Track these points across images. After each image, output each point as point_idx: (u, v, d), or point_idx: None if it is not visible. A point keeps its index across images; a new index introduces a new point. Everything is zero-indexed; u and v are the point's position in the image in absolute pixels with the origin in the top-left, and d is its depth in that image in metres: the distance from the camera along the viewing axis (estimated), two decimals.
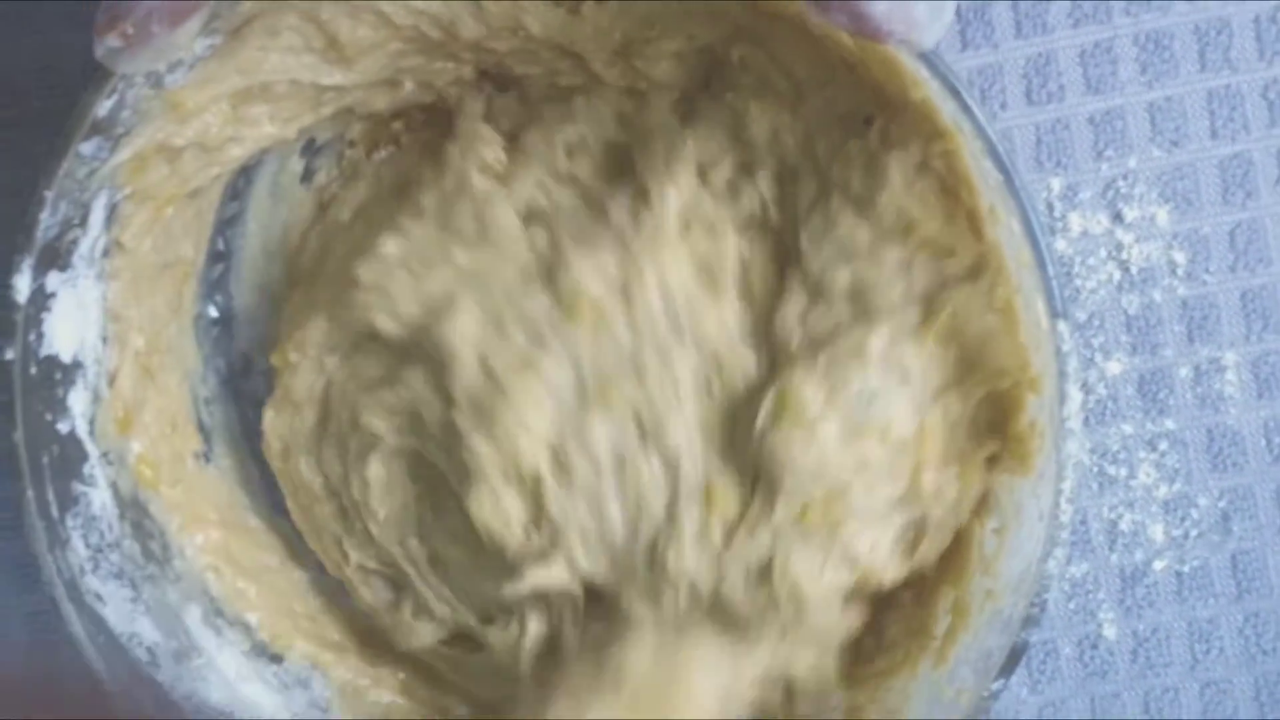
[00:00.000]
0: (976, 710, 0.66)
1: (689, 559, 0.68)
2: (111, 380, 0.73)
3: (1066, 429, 0.62)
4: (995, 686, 0.65)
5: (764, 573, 0.67)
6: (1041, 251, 0.61)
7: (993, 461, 0.68)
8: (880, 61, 0.63)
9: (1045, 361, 0.63)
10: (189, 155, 0.70)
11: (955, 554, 0.70)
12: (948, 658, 0.69)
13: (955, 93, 0.60)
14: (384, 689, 0.80)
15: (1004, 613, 0.66)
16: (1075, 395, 0.62)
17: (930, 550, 0.68)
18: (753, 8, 0.67)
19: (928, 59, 0.60)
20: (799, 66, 0.69)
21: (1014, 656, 0.65)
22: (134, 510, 0.75)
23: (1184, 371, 0.80)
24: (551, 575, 0.70)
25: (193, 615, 0.76)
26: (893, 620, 0.74)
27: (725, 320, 0.69)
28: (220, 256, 0.80)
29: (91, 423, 0.72)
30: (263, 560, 0.81)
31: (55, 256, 0.68)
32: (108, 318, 0.72)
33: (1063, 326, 0.61)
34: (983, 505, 0.69)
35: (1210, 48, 0.78)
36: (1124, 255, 0.80)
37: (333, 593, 0.82)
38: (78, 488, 0.71)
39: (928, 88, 0.62)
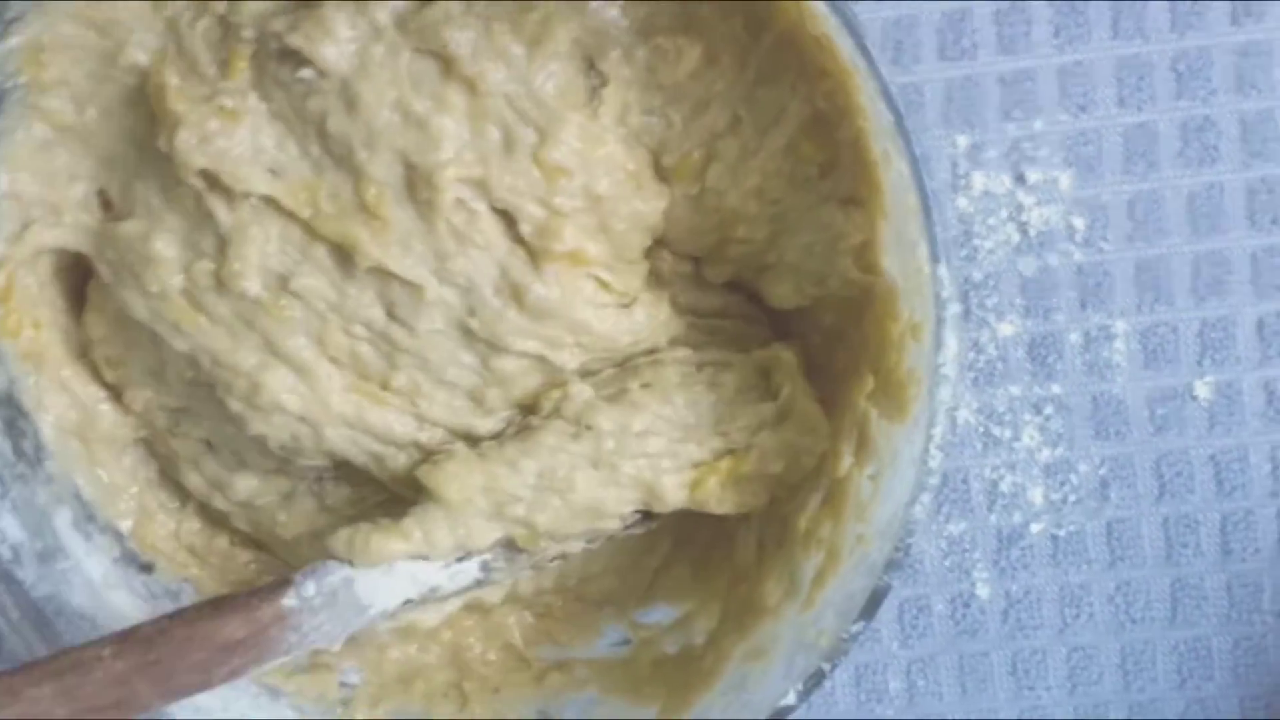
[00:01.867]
0: (835, 652, 0.65)
1: None
2: None
3: (941, 375, 0.62)
4: (854, 629, 0.65)
5: None
6: (927, 196, 0.60)
7: (870, 400, 0.68)
8: None
9: (926, 309, 0.63)
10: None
11: (833, 501, 0.71)
12: (815, 601, 0.69)
13: (853, 30, 0.60)
14: None
15: (870, 557, 0.66)
16: (952, 343, 0.62)
17: None
18: None
19: None
20: None
21: (874, 599, 0.65)
22: (7, 408, 0.73)
23: (1074, 337, 0.80)
24: None
25: (63, 518, 0.75)
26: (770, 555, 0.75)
27: None
28: None
29: None
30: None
31: None
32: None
33: (943, 272, 0.61)
34: (862, 452, 0.69)
35: (1124, 15, 0.78)
36: (1024, 217, 0.80)
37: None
38: None
39: (826, 24, 0.61)
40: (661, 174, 0.71)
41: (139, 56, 0.70)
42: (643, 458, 0.72)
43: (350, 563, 0.70)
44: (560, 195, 0.69)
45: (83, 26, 0.69)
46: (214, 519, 0.80)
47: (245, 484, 0.78)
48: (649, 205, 0.71)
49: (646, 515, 0.75)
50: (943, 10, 0.79)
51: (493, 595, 0.79)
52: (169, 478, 0.80)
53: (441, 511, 0.71)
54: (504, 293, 0.70)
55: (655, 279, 0.75)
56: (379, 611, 0.70)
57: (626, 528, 0.75)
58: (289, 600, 0.68)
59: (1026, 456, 0.81)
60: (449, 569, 0.72)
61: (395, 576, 0.71)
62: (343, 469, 0.77)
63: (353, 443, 0.73)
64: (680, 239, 0.73)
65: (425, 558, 0.71)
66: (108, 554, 0.77)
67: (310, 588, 0.69)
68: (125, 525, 0.79)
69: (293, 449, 0.74)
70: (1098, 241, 0.80)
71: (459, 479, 0.71)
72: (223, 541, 0.81)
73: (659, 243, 0.74)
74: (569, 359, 0.72)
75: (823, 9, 0.60)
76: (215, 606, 0.67)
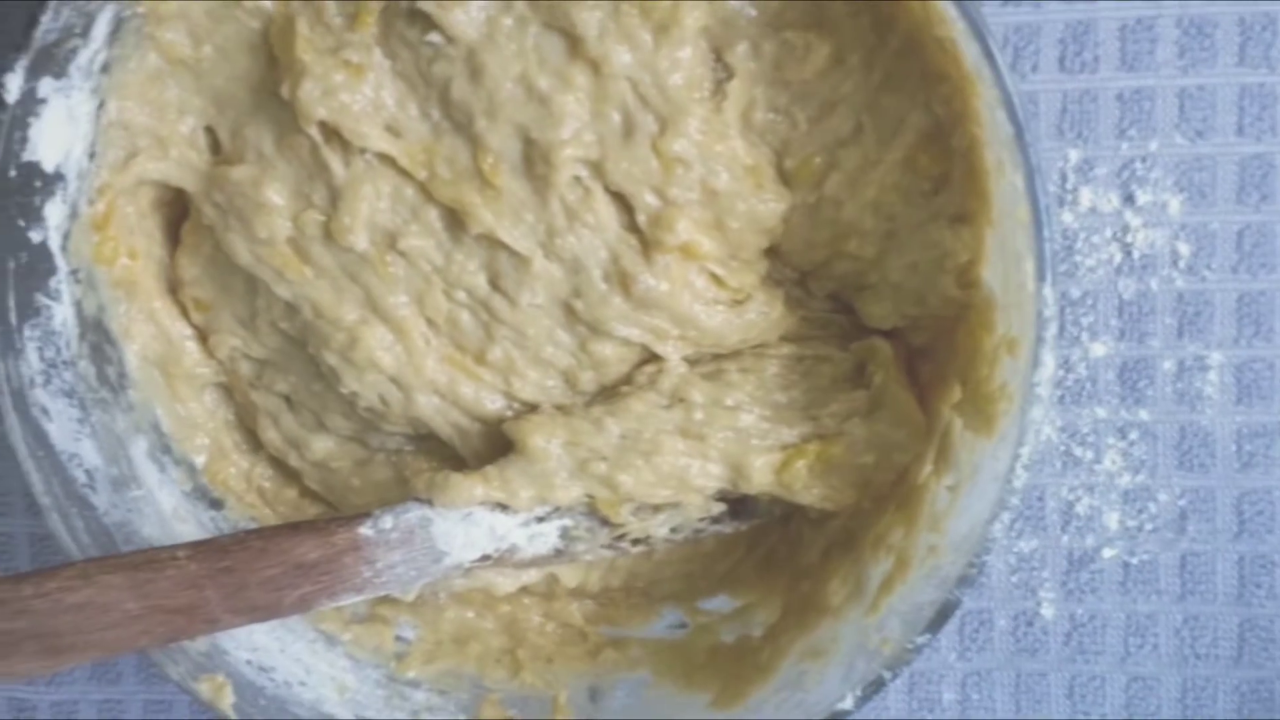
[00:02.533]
0: (897, 661, 0.65)
1: None
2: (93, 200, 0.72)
3: (1035, 394, 0.61)
4: (920, 640, 0.64)
5: None
6: (1040, 212, 0.59)
7: (956, 410, 0.68)
8: None
9: (1025, 325, 0.62)
10: None
11: (907, 507, 0.70)
12: (880, 607, 0.69)
13: (980, 37, 0.58)
14: None
15: (942, 569, 0.66)
16: (1049, 362, 0.61)
17: None
18: None
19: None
20: None
21: (943, 613, 0.64)
22: (95, 333, 0.74)
23: (1167, 364, 0.79)
24: None
25: (139, 447, 0.76)
26: (835, 560, 0.75)
27: None
28: None
29: (65, 237, 0.71)
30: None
31: (51, 62, 0.66)
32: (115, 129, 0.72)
33: (1048, 291, 0.60)
34: (942, 461, 0.68)
35: (1252, 43, 0.77)
36: (1129, 238, 0.78)
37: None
38: (41, 299, 0.70)
39: (954, 28, 0.60)
40: (783, 177, 0.71)
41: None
42: (731, 431, 0.72)
43: (429, 502, 0.70)
44: (676, 186, 0.68)
45: None
46: (287, 472, 0.81)
47: (322, 445, 0.78)
48: (768, 207, 0.70)
49: (733, 514, 0.75)
50: (1067, 20, 0.77)
51: (568, 578, 0.79)
52: (245, 425, 0.81)
53: (524, 462, 0.71)
54: (612, 278, 0.70)
55: (771, 278, 0.74)
56: (455, 563, 0.70)
57: (713, 521, 0.74)
58: (365, 530, 0.68)
59: (1106, 480, 0.80)
60: (528, 529, 0.72)
61: (474, 526, 0.71)
62: (424, 442, 0.77)
63: (440, 413, 0.74)
64: (793, 250, 0.73)
65: (505, 507, 0.71)
66: (180, 486, 0.78)
67: (388, 521, 0.69)
68: (199, 460, 0.79)
69: (380, 412, 0.74)
70: (1202, 269, 0.78)
71: (542, 430, 0.71)
72: (292, 492, 0.81)
73: (770, 251, 0.73)
74: (672, 350, 0.72)
75: (951, 10, 0.59)
76: (292, 528, 0.68)
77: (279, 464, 0.81)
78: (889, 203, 0.70)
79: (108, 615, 0.62)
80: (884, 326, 0.73)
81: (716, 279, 0.71)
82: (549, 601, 0.81)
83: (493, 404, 0.74)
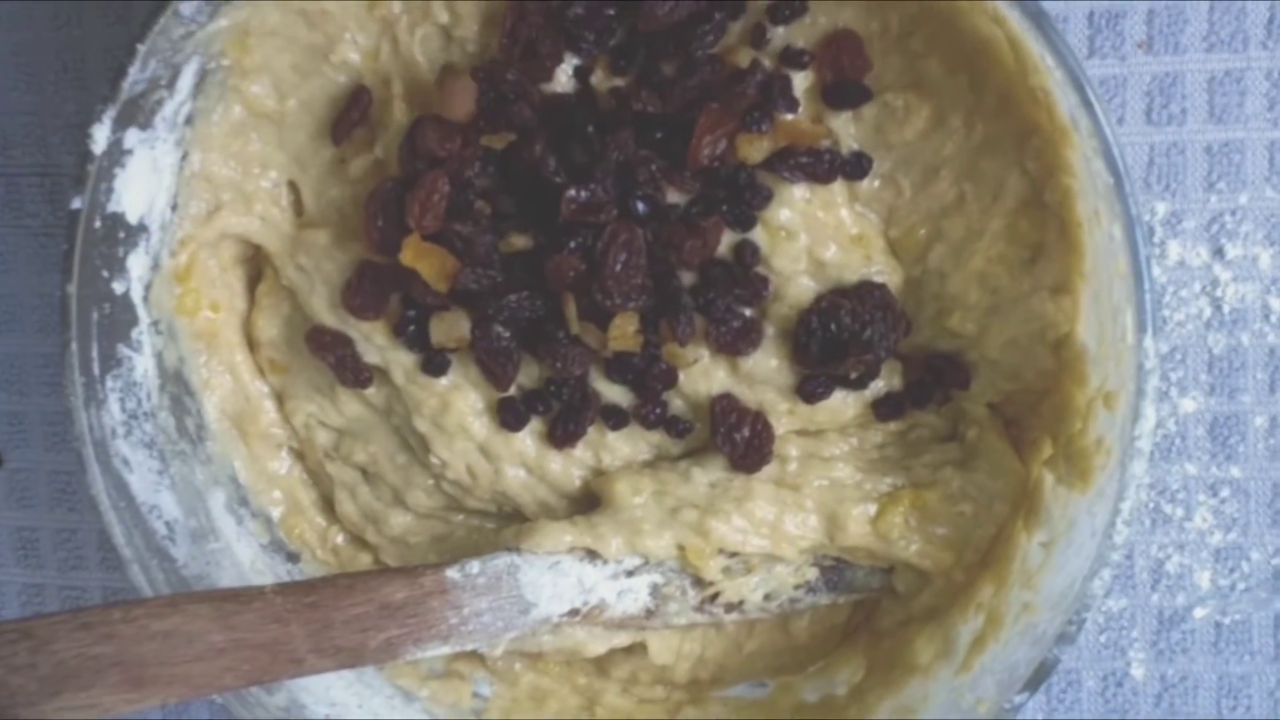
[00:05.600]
0: None
1: None
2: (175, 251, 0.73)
3: (1136, 448, 0.60)
4: (1017, 700, 0.63)
5: None
6: (1140, 263, 0.58)
7: (1047, 466, 0.66)
8: (1011, 41, 0.62)
9: (1124, 378, 0.61)
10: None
11: (996, 564, 0.69)
12: (972, 666, 0.67)
13: (1079, 85, 0.58)
14: None
15: (1038, 627, 0.64)
16: (1150, 415, 0.60)
17: None
18: None
19: (1058, 48, 0.58)
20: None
21: (1041, 672, 0.63)
22: (175, 385, 0.74)
23: (1259, 420, 0.77)
24: None
25: (216, 499, 0.76)
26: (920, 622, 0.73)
27: None
28: None
29: (147, 288, 0.71)
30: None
31: (137, 113, 0.67)
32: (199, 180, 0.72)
33: (1149, 342, 0.59)
34: (1032, 517, 0.67)
35: None
36: (1218, 293, 0.77)
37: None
38: (123, 350, 0.71)
39: (1050, 77, 0.60)
40: (891, 249, 0.70)
41: (350, 54, 0.70)
42: (826, 480, 0.71)
43: (518, 550, 0.69)
44: (782, 257, 0.68)
45: (292, 16, 0.69)
46: (362, 541, 0.80)
47: (400, 521, 0.77)
48: (879, 279, 0.69)
49: (829, 584, 0.73)
50: (1154, 73, 0.76)
51: (657, 651, 0.76)
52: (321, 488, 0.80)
53: (612, 510, 0.70)
54: (717, 351, 0.70)
55: None
56: (542, 615, 0.69)
57: (809, 590, 0.73)
58: (452, 573, 0.67)
59: (1197, 538, 0.78)
60: (618, 583, 0.71)
61: (561, 575, 0.70)
62: (506, 520, 0.76)
63: (527, 488, 0.73)
64: None
65: (594, 558, 0.70)
66: (257, 539, 0.78)
67: (475, 566, 0.68)
68: (275, 513, 0.79)
69: (467, 486, 0.73)
70: None
71: (628, 479, 0.71)
72: (367, 558, 0.80)
73: None
74: (777, 426, 0.71)
75: (1049, 59, 0.58)
76: (380, 571, 0.68)
77: (354, 537, 0.80)
78: (994, 274, 0.69)
79: (193, 646, 0.61)
80: (978, 404, 0.72)
81: None
82: (631, 685, 0.80)
83: (580, 479, 0.73)
